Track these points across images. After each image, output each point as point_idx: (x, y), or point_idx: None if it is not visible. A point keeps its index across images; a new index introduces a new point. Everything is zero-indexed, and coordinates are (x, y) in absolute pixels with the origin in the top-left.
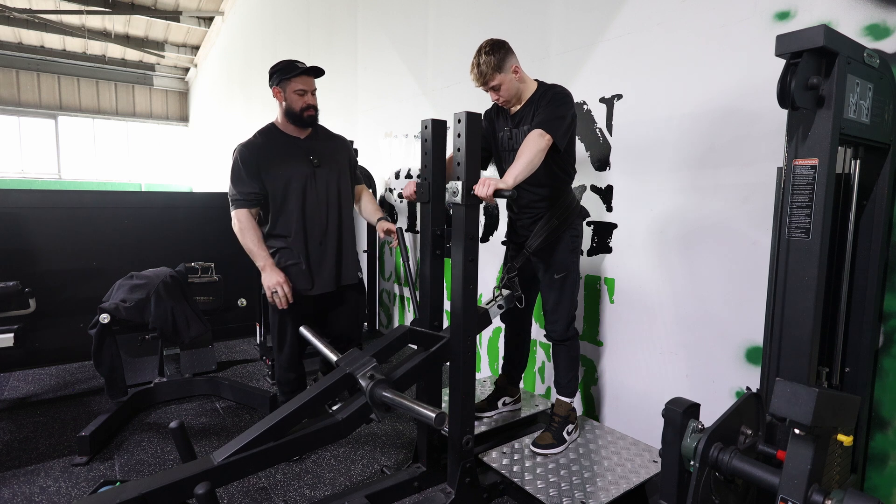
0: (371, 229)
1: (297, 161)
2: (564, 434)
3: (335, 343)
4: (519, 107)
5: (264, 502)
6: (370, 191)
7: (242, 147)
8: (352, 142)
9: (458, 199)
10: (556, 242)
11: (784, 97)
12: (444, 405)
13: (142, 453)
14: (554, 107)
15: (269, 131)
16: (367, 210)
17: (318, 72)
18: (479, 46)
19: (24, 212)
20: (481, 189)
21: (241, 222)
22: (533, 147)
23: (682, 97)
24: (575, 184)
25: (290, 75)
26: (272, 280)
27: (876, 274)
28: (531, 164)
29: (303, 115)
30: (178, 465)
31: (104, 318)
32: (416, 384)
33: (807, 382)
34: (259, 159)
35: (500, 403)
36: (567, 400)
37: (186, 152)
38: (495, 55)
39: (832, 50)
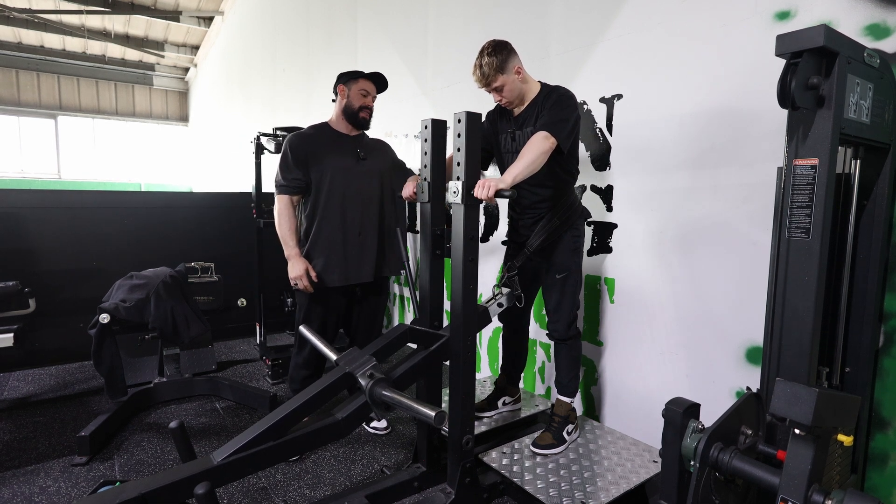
0: None
1: (343, 153)
2: (564, 434)
3: (357, 335)
4: (522, 108)
5: (264, 502)
6: None
7: (293, 136)
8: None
9: (458, 199)
10: (558, 242)
11: (784, 97)
12: (443, 405)
13: (141, 453)
14: (558, 109)
15: (321, 126)
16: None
17: (384, 82)
18: (481, 47)
19: (23, 212)
20: (481, 191)
21: (280, 208)
22: (536, 149)
23: (682, 97)
24: (575, 184)
25: (358, 76)
26: (294, 271)
27: (876, 274)
28: (533, 165)
29: (359, 114)
30: (178, 464)
31: (104, 318)
32: (416, 384)
33: (807, 382)
34: (308, 148)
35: (500, 403)
36: (567, 400)
37: (186, 152)
38: (498, 56)
39: (832, 50)
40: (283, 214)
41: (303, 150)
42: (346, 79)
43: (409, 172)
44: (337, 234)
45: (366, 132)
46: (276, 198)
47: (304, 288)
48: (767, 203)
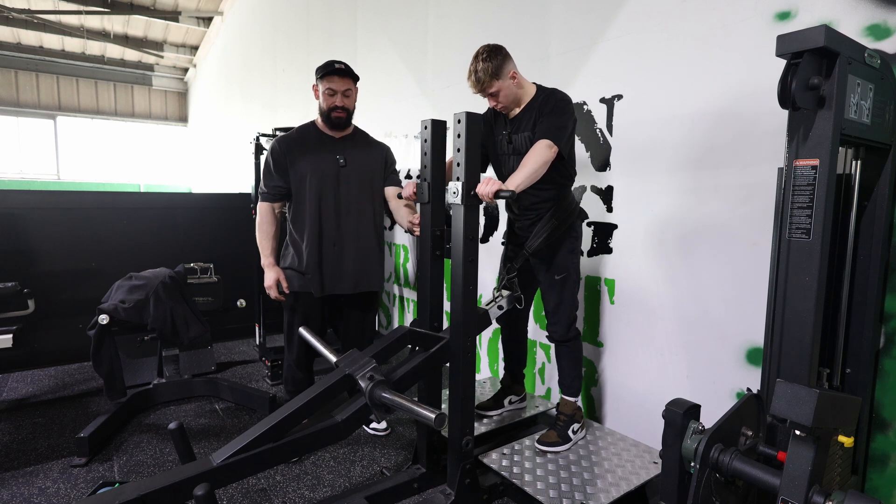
0: None
1: (323, 159)
2: (570, 432)
3: (347, 346)
4: (518, 110)
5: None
6: None
7: (276, 141)
8: (388, 148)
9: (458, 199)
10: (556, 243)
11: (785, 97)
12: (444, 406)
13: (141, 454)
14: (556, 116)
15: (306, 127)
16: (401, 213)
17: (350, 73)
18: (475, 52)
19: (22, 212)
20: (483, 188)
21: (261, 216)
22: (538, 158)
23: (682, 97)
24: (575, 184)
25: (322, 74)
26: (267, 281)
27: (877, 275)
28: (535, 174)
29: (331, 115)
30: (178, 466)
31: (103, 318)
32: (417, 385)
33: (807, 383)
34: (288, 153)
35: (506, 402)
36: (572, 399)
37: (185, 153)
38: (492, 61)
39: (833, 50)
40: (262, 222)
41: (283, 156)
42: (316, 76)
43: (397, 179)
44: (314, 243)
45: (362, 131)
46: (259, 204)
47: (275, 297)
48: (768, 204)
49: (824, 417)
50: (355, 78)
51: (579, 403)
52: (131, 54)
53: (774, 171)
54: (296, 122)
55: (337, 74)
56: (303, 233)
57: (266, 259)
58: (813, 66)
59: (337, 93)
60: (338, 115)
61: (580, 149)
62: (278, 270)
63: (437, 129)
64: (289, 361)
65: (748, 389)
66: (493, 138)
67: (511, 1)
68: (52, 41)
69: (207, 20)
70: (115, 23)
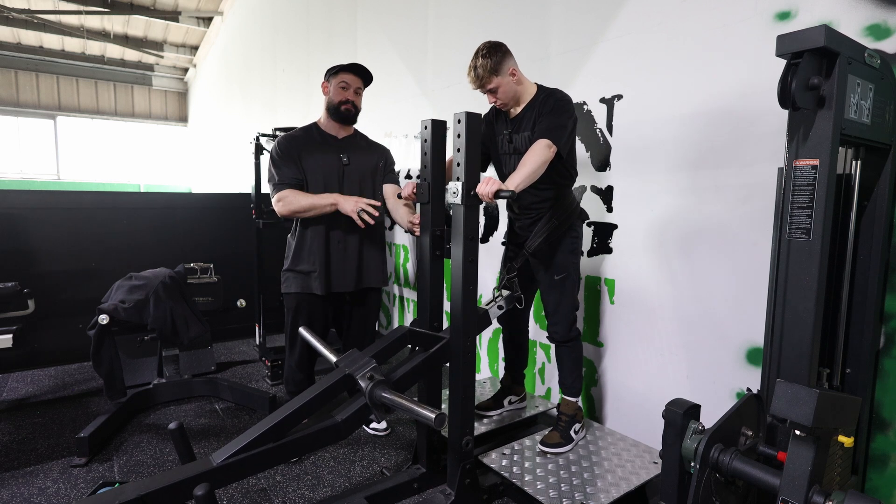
0: None
1: (326, 157)
2: (572, 433)
3: (348, 345)
4: (518, 109)
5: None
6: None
7: (281, 138)
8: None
9: (458, 199)
10: (556, 243)
11: (785, 97)
12: (444, 406)
13: (141, 454)
14: (557, 115)
15: (309, 128)
16: (400, 213)
17: (366, 73)
18: (476, 49)
19: (22, 212)
20: (483, 188)
21: (288, 195)
22: (537, 158)
23: (682, 97)
24: (575, 185)
25: (337, 70)
26: (350, 204)
27: (877, 275)
28: (535, 173)
29: (340, 108)
30: (178, 466)
31: (103, 318)
32: (417, 385)
33: (807, 383)
34: (297, 149)
35: (505, 402)
36: (573, 399)
37: (185, 153)
38: (492, 58)
39: (833, 50)
40: (294, 195)
41: (292, 151)
42: (328, 74)
43: (396, 177)
44: (320, 241)
45: (362, 134)
46: (277, 195)
47: (369, 216)
48: (768, 204)
49: (824, 417)
50: (367, 81)
51: (580, 403)
52: (131, 54)
53: (774, 171)
54: (296, 122)
55: (353, 72)
56: (308, 231)
57: (330, 197)
58: (813, 66)
59: (350, 87)
60: (347, 109)
61: (580, 149)
62: (346, 196)
63: (437, 129)
64: (290, 362)
65: (748, 389)
66: (493, 137)
67: (511, 1)
68: (52, 41)
69: (207, 20)
70: (115, 23)
